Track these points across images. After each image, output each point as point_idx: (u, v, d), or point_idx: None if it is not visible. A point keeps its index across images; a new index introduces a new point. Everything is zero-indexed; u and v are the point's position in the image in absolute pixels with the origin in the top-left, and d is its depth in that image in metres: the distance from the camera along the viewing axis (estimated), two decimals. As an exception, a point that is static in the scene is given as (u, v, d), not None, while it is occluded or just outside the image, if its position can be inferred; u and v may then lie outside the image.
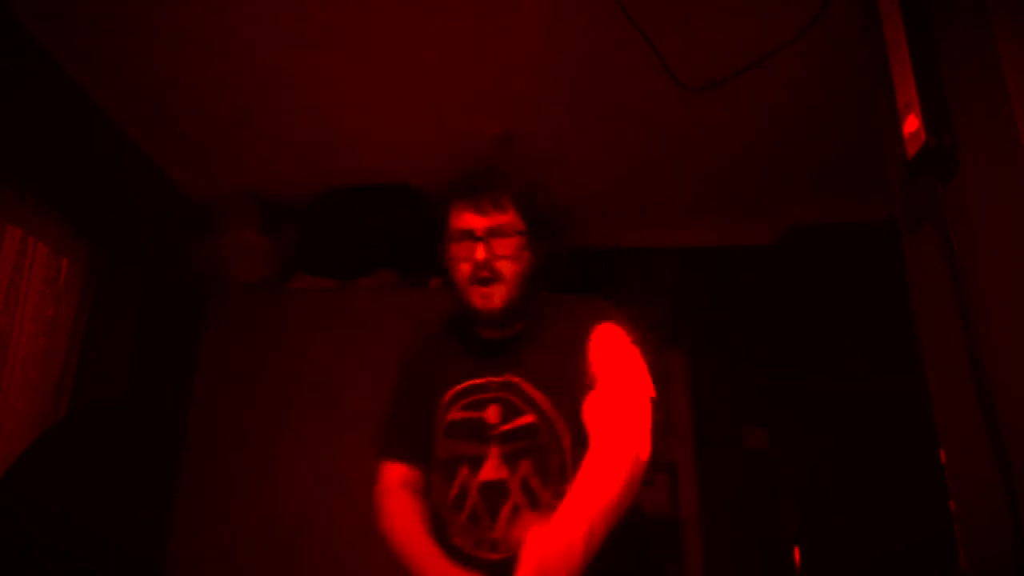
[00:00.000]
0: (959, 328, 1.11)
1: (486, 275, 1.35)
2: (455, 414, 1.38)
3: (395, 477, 1.45)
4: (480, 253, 1.34)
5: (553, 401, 1.31)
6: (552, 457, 1.28)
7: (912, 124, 1.18)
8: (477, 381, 1.38)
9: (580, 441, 1.24)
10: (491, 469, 1.30)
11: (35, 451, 1.94)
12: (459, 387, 1.40)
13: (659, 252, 3.60)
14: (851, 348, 3.11)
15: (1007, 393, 1.03)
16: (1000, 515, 1.01)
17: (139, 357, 2.79)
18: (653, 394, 1.27)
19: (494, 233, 1.36)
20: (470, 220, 1.37)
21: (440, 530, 1.35)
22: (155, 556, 2.76)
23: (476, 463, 1.32)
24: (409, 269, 3.17)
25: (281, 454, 2.85)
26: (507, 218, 1.37)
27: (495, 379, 1.36)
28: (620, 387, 1.23)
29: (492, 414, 1.34)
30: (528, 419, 1.31)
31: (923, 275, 1.28)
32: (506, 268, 1.36)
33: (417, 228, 3.11)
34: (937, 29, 1.23)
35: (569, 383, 1.30)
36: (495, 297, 1.35)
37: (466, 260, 1.36)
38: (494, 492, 1.29)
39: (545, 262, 1.42)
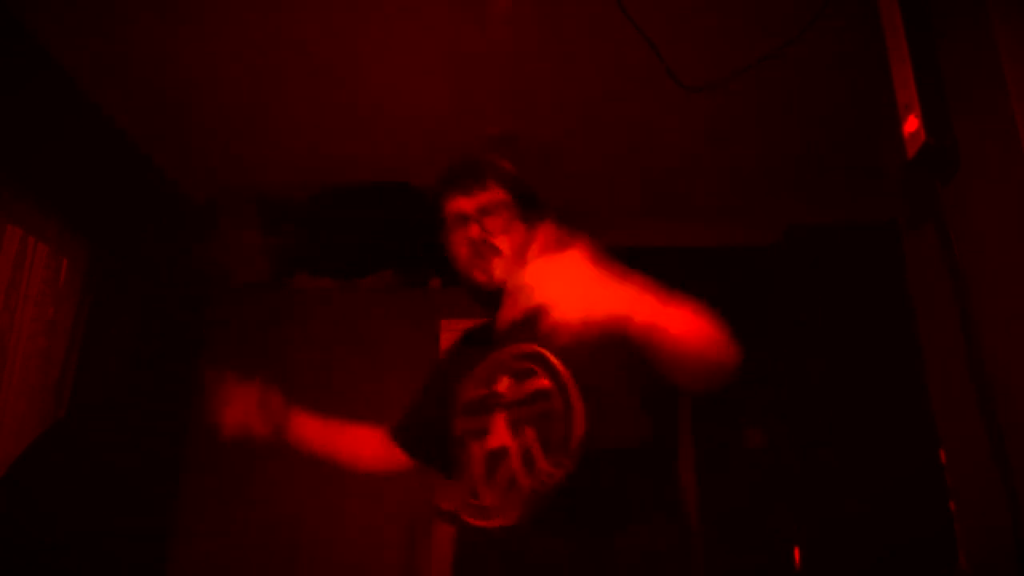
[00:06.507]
0: (959, 328, 1.11)
1: (483, 251, 1.39)
2: (470, 393, 1.38)
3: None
4: (474, 232, 1.39)
5: (573, 370, 1.27)
6: (558, 425, 1.25)
7: (912, 124, 1.18)
8: (495, 359, 1.38)
9: (593, 417, 1.23)
10: (496, 437, 1.29)
11: (35, 451, 1.94)
12: (477, 367, 1.40)
13: (659, 252, 3.60)
14: (851, 348, 3.11)
15: (1007, 393, 1.03)
16: (1000, 515, 1.01)
17: (139, 357, 2.79)
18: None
19: (484, 211, 1.41)
20: (461, 204, 1.42)
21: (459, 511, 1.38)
22: (155, 556, 2.76)
23: (482, 434, 1.31)
24: (409, 269, 3.17)
25: (281, 454, 2.85)
26: (496, 196, 1.42)
27: (512, 352, 1.36)
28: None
29: (503, 384, 1.33)
30: (542, 383, 1.29)
31: (923, 274, 1.28)
32: (502, 243, 1.40)
33: (417, 228, 3.11)
34: (937, 29, 1.23)
35: (592, 353, 1.26)
36: (496, 271, 1.39)
37: (463, 243, 1.41)
38: (494, 459, 1.28)
39: (538, 231, 1.45)
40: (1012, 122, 1.04)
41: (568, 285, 1.28)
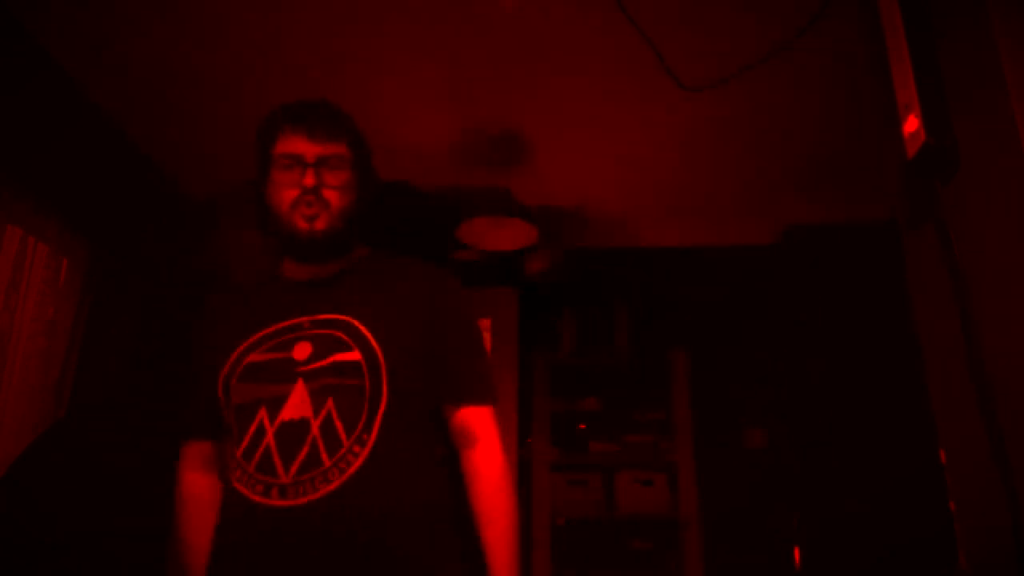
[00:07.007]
0: (959, 328, 1.11)
1: (312, 200, 1.30)
2: (256, 356, 1.28)
3: (195, 457, 1.45)
4: (309, 179, 1.29)
5: (384, 347, 1.23)
6: (363, 402, 1.20)
7: (912, 124, 1.18)
8: (286, 323, 1.30)
9: (398, 396, 1.22)
10: (293, 407, 1.20)
11: (35, 451, 1.94)
12: (263, 331, 1.30)
13: (659, 252, 3.60)
14: (851, 348, 3.11)
15: (1007, 393, 1.03)
16: (1000, 515, 1.00)
17: (139, 357, 2.78)
18: (495, 401, 1.36)
19: (325, 162, 1.32)
20: (301, 146, 1.31)
21: (227, 484, 1.25)
22: (155, 556, 2.76)
23: (277, 403, 1.21)
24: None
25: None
26: (340, 149, 1.34)
27: (310, 318, 1.29)
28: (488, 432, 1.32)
29: (301, 351, 1.25)
30: (353, 356, 1.22)
31: (923, 275, 1.28)
32: (334, 198, 1.32)
33: (418, 227, 3.11)
34: (937, 29, 1.23)
35: (404, 335, 1.27)
36: (319, 221, 1.31)
37: (292, 186, 1.31)
38: (293, 432, 1.18)
39: (368, 202, 1.43)
40: (1012, 122, 1.04)
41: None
